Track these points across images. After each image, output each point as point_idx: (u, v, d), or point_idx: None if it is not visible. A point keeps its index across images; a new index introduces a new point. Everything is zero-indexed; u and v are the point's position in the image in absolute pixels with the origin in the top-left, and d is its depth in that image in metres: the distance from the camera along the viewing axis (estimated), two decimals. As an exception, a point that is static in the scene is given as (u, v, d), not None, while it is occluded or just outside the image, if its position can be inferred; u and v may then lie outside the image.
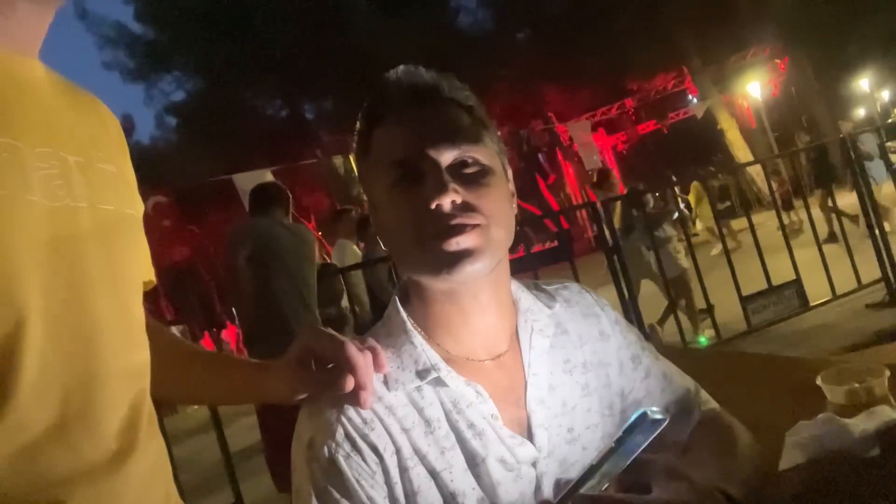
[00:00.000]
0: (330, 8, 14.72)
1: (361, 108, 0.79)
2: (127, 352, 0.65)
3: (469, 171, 0.72)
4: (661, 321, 4.61)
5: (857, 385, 0.88)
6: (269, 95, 20.18)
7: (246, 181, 10.10)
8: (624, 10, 16.37)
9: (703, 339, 4.57)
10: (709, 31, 15.65)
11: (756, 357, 1.45)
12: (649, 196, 4.93)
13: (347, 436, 0.68)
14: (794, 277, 4.37)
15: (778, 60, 17.22)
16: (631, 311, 4.08)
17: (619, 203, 4.71)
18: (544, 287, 0.88)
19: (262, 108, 20.54)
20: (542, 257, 7.61)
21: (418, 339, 0.75)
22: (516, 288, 0.83)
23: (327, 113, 17.99)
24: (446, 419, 0.72)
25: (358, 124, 0.79)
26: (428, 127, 0.72)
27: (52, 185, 0.58)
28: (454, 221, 0.69)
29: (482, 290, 0.75)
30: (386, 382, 0.72)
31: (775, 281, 4.36)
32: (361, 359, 0.67)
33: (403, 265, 0.76)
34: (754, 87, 16.52)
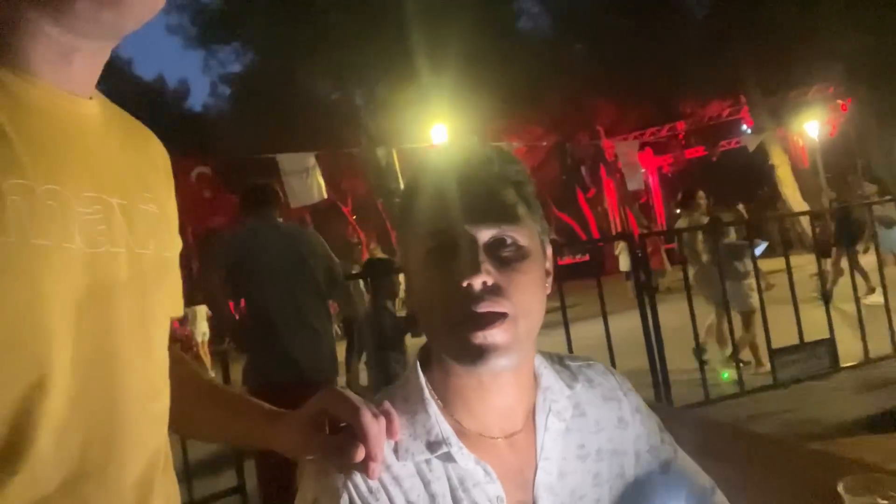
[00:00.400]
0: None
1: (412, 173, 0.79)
2: (150, 400, 0.66)
3: (506, 252, 0.71)
4: (735, 354, 4.48)
5: (880, 500, 0.86)
6: (322, 77, 20.33)
7: (290, 162, 10.28)
8: (686, 32, 16.07)
9: (725, 375, 4.49)
10: (773, 62, 15.27)
11: (777, 445, 1.42)
12: (731, 228, 4.85)
13: (351, 502, 0.68)
14: (827, 335, 4.27)
15: (840, 101, 16.72)
16: (655, 350, 4.04)
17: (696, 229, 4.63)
18: (568, 363, 0.87)
19: (313, 89, 20.70)
20: (570, 271, 7.52)
21: (433, 409, 0.74)
22: (539, 363, 0.82)
23: (376, 101, 18.06)
24: (451, 496, 0.71)
25: (403, 185, 0.80)
26: (470, 200, 0.71)
27: (94, 230, 0.60)
28: (483, 308, 0.68)
29: (504, 371, 0.74)
30: (396, 450, 0.71)
31: (807, 332, 4.27)
32: (375, 427, 0.67)
33: (430, 339, 0.76)
34: (812, 125, 16.06)
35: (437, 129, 12.27)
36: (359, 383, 6.03)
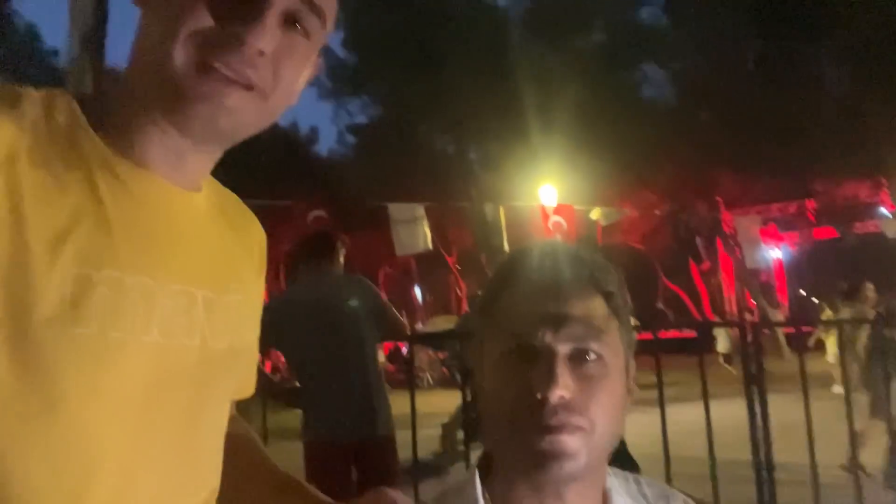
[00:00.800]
0: (513, 62, 15.20)
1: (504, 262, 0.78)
2: (191, 494, 0.66)
3: (587, 367, 0.68)
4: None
5: None
6: (440, 131, 21.12)
7: (400, 211, 10.64)
8: (823, 104, 15.23)
9: None
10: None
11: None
12: None
13: None
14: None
15: None
16: (762, 446, 3.69)
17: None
18: (645, 488, 0.80)
19: (430, 143, 21.52)
20: (674, 345, 7.12)
21: None
22: (612, 484, 0.76)
23: (489, 157, 18.45)
24: None
25: (493, 278, 0.78)
26: (556, 307, 0.69)
27: (173, 322, 0.62)
28: (556, 421, 0.65)
29: (569, 491, 0.69)
30: None
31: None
32: None
33: (493, 445, 0.73)
34: (965, 213, 14.54)
35: (545, 189, 12.27)
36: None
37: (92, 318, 0.56)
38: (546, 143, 14.59)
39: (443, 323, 17.23)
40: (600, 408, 0.67)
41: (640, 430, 3.86)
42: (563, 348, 0.67)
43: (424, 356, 15.03)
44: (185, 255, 0.65)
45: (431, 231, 10.83)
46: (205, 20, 0.59)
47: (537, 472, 0.67)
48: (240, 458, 0.82)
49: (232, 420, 0.84)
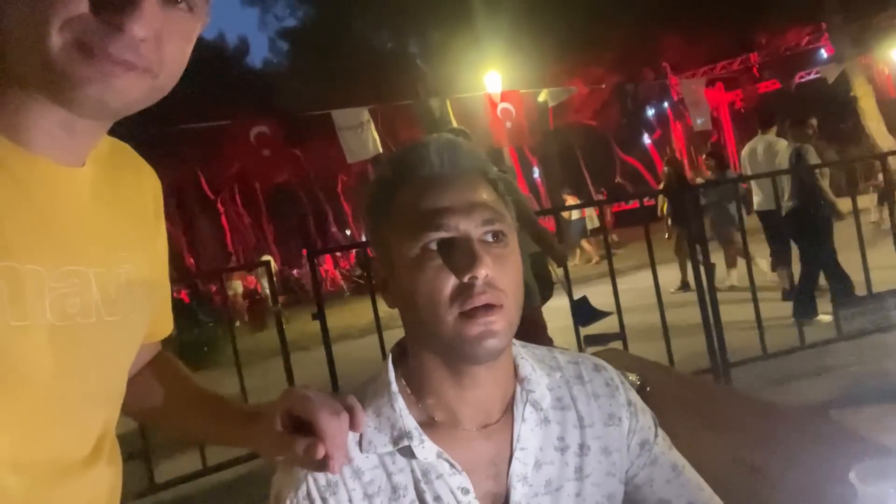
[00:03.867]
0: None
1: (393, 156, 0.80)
2: (88, 443, 0.70)
3: (496, 246, 0.72)
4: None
5: (893, 490, 0.82)
6: (376, 26, 20.16)
7: (344, 118, 10.34)
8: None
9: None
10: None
11: (793, 421, 1.37)
12: None
13: (308, 494, 0.71)
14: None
15: (935, 22, 15.21)
16: (709, 303, 3.92)
17: None
18: (556, 354, 0.87)
19: (368, 40, 20.57)
20: (627, 217, 7.32)
21: (399, 403, 0.75)
22: (518, 353, 0.82)
23: (430, 48, 17.77)
24: (414, 488, 0.73)
25: (378, 177, 0.79)
26: (462, 196, 0.72)
27: (68, 304, 0.64)
28: (483, 300, 0.69)
29: (482, 366, 0.74)
30: (360, 443, 0.74)
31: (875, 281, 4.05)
32: (334, 425, 0.69)
33: (416, 335, 0.77)
34: (901, 51, 14.74)
35: (490, 77, 11.99)
36: None
37: None
38: (486, 29, 14.09)
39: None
40: (512, 283, 0.72)
41: (599, 300, 4.05)
42: (477, 232, 0.71)
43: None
44: (74, 236, 0.66)
45: (380, 134, 10.62)
46: (80, 6, 0.57)
47: (471, 354, 0.70)
48: (171, 382, 0.89)
49: (157, 358, 0.91)
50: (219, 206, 26.81)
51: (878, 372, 3.53)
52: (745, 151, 6.05)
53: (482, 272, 0.69)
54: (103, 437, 0.72)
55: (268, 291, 13.52)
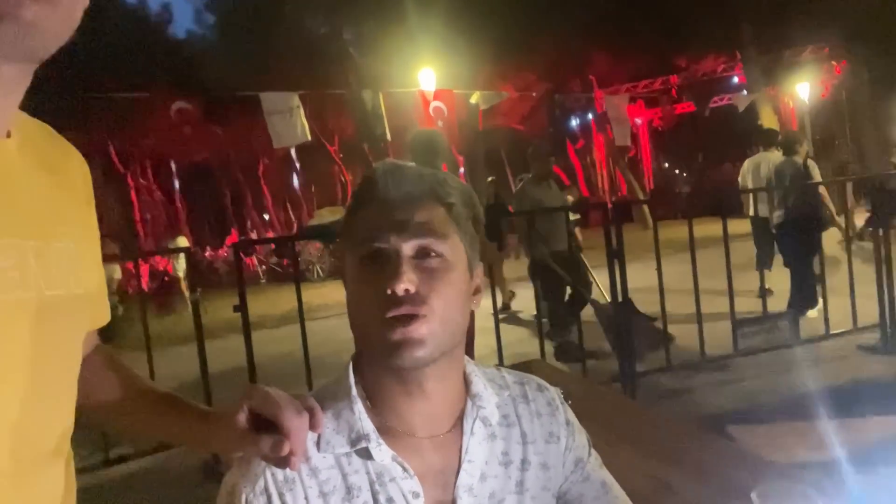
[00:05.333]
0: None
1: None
2: (45, 436, 0.68)
3: (429, 262, 0.76)
4: None
5: None
6: (310, 9, 19.68)
7: (273, 101, 10.02)
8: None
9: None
10: (771, 19, 14.99)
11: (699, 439, 1.47)
12: None
13: (266, 489, 0.73)
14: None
15: (835, 63, 16.53)
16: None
17: None
18: (504, 374, 0.91)
19: (300, 20, 20.05)
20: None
21: (358, 406, 0.79)
22: (472, 371, 0.86)
23: (364, 38, 17.55)
24: (369, 489, 0.76)
25: (351, 198, 0.85)
26: (400, 216, 0.77)
27: (5, 277, 0.61)
28: (402, 311, 0.73)
29: (428, 378, 0.78)
30: (318, 443, 0.76)
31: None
32: (297, 423, 0.72)
33: (359, 341, 0.80)
34: (804, 87, 15.92)
35: (425, 74, 11.98)
36: None
37: None
38: (422, 26, 14.08)
39: (329, 215, 16.98)
40: (441, 298, 0.75)
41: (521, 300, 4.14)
42: (407, 248, 0.76)
43: (313, 249, 14.95)
44: (6, 208, 0.63)
45: (309, 121, 10.38)
46: None
47: (394, 361, 0.74)
48: (120, 383, 0.87)
49: (98, 349, 0.88)
50: (128, 181, 25.43)
51: (770, 387, 3.83)
52: (746, 166, 6.46)
53: (401, 287, 0.72)
54: (63, 436, 0.70)
55: (180, 274, 13.00)
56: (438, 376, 0.79)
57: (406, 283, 0.73)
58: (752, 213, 6.34)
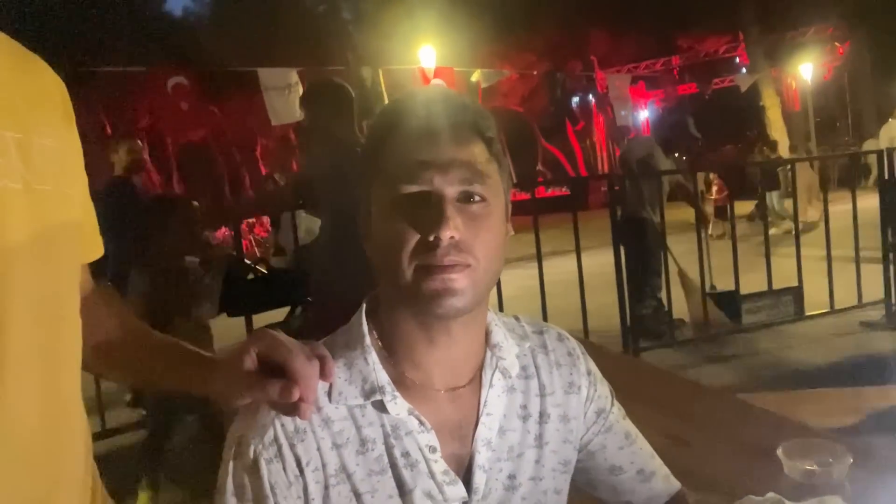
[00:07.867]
0: None
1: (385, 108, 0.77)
2: (44, 348, 0.64)
3: (473, 207, 0.71)
4: None
5: (817, 467, 0.87)
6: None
7: (271, 77, 9.91)
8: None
9: None
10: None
11: (723, 400, 1.44)
12: None
13: (276, 440, 0.69)
14: (795, 283, 4.37)
15: (838, 43, 16.42)
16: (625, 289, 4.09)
17: None
18: (524, 324, 0.87)
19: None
20: (549, 204, 7.53)
21: (373, 356, 0.74)
22: (492, 319, 0.82)
23: (363, 16, 17.38)
24: (383, 442, 0.72)
25: (371, 127, 0.78)
26: (442, 153, 0.70)
27: None
28: (447, 261, 0.68)
29: (455, 324, 0.73)
30: (329, 393, 0.72)
31: (776, 276, 4.34)
32: (308, 370, 0.67)
33: (387, 285, 0.75)
34: (806, 68, 15.81)
35: (425, 51, 11.84)
36: None
37: None
38: (423, 2, 13.92)
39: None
40: (484, 246, 0.70)
41: (523, 281, 4.14)
42: (451, 191, 0.69)
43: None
44: None
45: (308, 97, 10.26)
46: None
47: (432, 309, 0.69)
48: (118, 325, 0.83)
49: (94, 291, 0.84)
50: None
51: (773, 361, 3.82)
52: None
53: (447, 234, 0.67)
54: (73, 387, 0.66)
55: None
56: (466, 323, 0.74)
57: (452, 231, 0.67)
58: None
